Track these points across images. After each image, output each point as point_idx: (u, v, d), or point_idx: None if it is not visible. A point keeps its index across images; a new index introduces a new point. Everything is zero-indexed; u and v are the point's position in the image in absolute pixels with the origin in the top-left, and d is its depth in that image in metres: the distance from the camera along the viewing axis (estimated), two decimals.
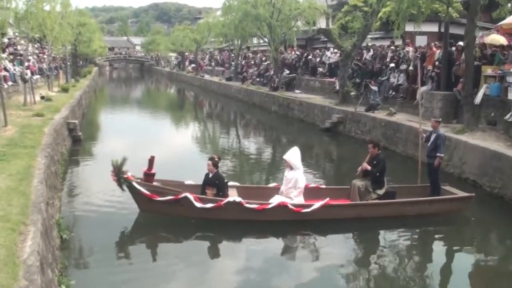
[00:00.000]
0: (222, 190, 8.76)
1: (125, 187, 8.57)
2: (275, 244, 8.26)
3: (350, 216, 8.80)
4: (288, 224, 8.58)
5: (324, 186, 10.12)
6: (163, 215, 8.71)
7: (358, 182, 9.27)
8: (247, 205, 8.43)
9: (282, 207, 8.50)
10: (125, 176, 8.43)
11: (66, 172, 12.19)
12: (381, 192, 9.15)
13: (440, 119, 10.36)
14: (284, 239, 8.43)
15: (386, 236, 8.62)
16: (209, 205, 8.39)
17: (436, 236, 8.92)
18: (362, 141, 16.97)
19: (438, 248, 8.45)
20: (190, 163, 13.55)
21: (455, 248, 8.61)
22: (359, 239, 8.56)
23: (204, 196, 8.60)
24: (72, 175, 12.23)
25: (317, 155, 16.58)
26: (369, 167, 9.20)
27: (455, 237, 8.95)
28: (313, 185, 10.15)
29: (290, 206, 8.51)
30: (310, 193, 9.29)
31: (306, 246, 8.26)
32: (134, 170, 8.83)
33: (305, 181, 9.06)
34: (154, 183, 8.78)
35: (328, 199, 8.78)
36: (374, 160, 9.27)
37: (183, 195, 8.43)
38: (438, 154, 9.65)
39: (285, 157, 9.07)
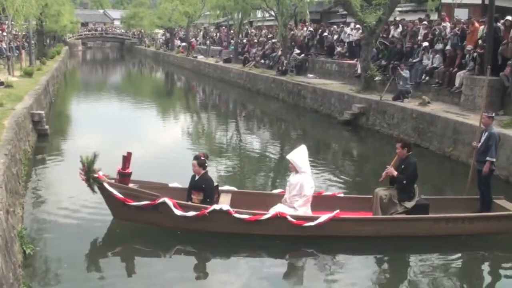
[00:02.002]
0: (209, 195, 8.77)
1: (96, 189, 8.64)
2: (268, 265, 8.19)
3: (365, 234, 8.60)
4: (288, 241, 8.50)
5: (342, 195, 9.93)
6: (139, 223, 8.78)
7: (382, 191, 9.01)
8: (236, 215, 8.37)
9: (279, 218, 8.37)
10: (96, 175, 8.48)
11: (29, 173, 12.23)
12: (409, 204, 8.82)
13: (493, 114, 9.82)
14: (280, 259, 8.36)
15: (412, 260, 8.43)
16: (191, 213, 8.38)
17: (477, 262, 8.61)
18: (388, 136, 16.99)
19: (479, 278, 8.15)
20: (178, 163, 13.57)
21: (504, 277, 8.19)
22: (377, 263, 8.39)
23: (185, 202, 8.63)
24: (37, 177, 12.28)
25: (334, 154, 16.59)
26: (395, 173, 8.90)
27: (503, 262, 8.55)
28: (328, 192, 10.05)
29: (290, 218, 8.35)
30: (324, 202, 9.20)
31: (309, 268, 8.18)
32: (111, 170, 8.92)
33: (312, 188, 8.90)
34: (130, 185, 8.84)
35: (338, 211, 8.59)
36: (402, 164, 8.96)
37: (160, 200, 8.44)
38: (488, 158, 9.25)
39: (288, 157, 8.99)
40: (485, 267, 8.54)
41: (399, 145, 9.08)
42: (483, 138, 9.47)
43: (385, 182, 9.23)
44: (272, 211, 8.53)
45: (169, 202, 8.39)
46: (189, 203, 8.66)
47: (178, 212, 8.36)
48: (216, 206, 8.44)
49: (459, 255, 8.62)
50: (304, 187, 8.69)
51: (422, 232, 8.68)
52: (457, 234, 8.75)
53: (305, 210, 8.73)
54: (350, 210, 9.01)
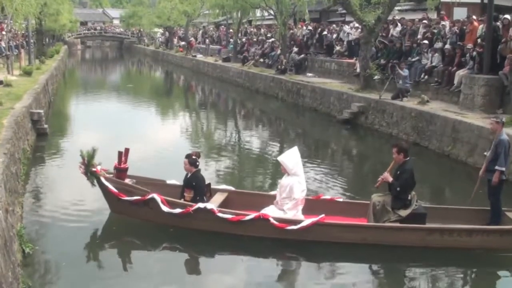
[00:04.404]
0: (200, 193, 8.84)
1: (96, 183, 8.89)
2: (252, 266, 8.14)
3: (351, 240, 8.27)
4: (272, 243, 8.40)
5: (340, 200, 9.72)
6: (133, 218, 8.97)
7: (376, 198, 8.68)
8: (220, 214, 8.41)
9: (261, 220, 8.32)
10: (94, 169, 8.71)
11: (29, 172, 12.24)
12: (403, 213, 8.36)
13: (503, 120, 9.12)
14: (262, 260, 8.29)
15: (397, 271, 8.07)
16: (177, 211, 8.50)
17: (475, 279, 8.11)
18: (388, 135, 17.00)
19: None
20: (177, 160, 13.50)
21: None
22: (362, 271, 8.08)
23: (173, 199, 8.74)
24: (36, 176, 12.28)
25: (333, 154, 16.57)
26: (390, 179, 8.53)
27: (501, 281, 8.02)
28: (326, 196, 9.83)
29: (272, 220, 8.26)
30: (322, 206, 9.02)
31: (291, 272, 8.09)
32: (111, 167, 9.18)
33: (304, 191, 8.75)
34: (127, 180, 9.02)
35: (323, 215, 8.37)
36: (398, 170, 8.58)
37: (150, 196, 8.60)
38: (497, 167, 8.60)
39: (279, 158, 8.91)
40: (482, 285, 8.07)
41: (395, 149, 8.65)
42: (492, 145, 8.87)
43: (384, 187, 8.87)
44: (255, 213, 8.46)
45: (157, 198, 8.54)
46: (176, 200, 8.78)
47: (165, 208, 8.49)
48: (200, 205, 8.50)
49: (454, 270, 8.07)
50: (293, 190, 8.54)
51: (414, 243, 8.22)
52: (454, 247, 8.20)
53: (294, 213, 8.59)
54: (347, 216, 8.85)
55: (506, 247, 8.33)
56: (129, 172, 9.26)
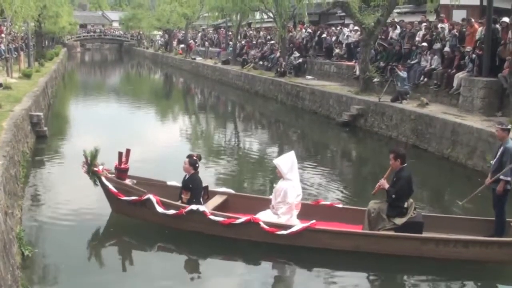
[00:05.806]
0: (196, 195, 8.89)
1: (98, 182, 9.05)
2: (239, 270, 8.14)
3: (343, 248, 8.12)
4: (264, 247, 8.35)
5: (340, 205, 9.54)
6: (132, 218, 9.12)
7: (372, 205, 8.54)
8: (212, 217, 8.44)
9: (252, 224, 8.31)
10: (96, 169, 8.88)
11: (28, 175, 12.23)
12: (399, 221, 8.19)
13: (509, 126, 8.67)
14: (253, 265, 8.27)
15: (389, 281, 7.94)
16: (171, 212, 8.61)
17: None
18: (387, 137, 17.00)
19: None
20: (178, 162, 13.55)
21: None
22: (353, 279, 7.93)
23: (168, 201, 8.82)
24: (35, 179, 12.28)
25: (332, 157, 16.57)
26: (386, 186, 8.40)
27: None
28: (326, 202, 9.71)
29: (262, 225, 8.23)
30: (321, 212, 8.96)
31: (279, 279, 8.04)
32: (111, 168, 9.30)
33: (299, 196, 8.68)
34: (127, 181, 9.14)
35: (314, 221, 8.28)
36: (395, 177, 8.43)
37: (146, 196, 8.73)
38: (502, 177, 8.24)
39: (275, 161, 8.87)
40: None
41: (391, 156, 8.47)
42: (498, 153, 8.46)
43: (383, 194, 8.67)
44: (245, 216, 8.44)
45: (153, 199, 8.67)
46: (171, 201, 8.84)
47: (160, 209, 8.61)
48: (193, 207, 8.56)
49: (449, 281, 7.78)
50: (287, 194, 8.46)
51: (408, 252, 8.00)
52: (449, 258, 7.93)
53: (288, 218, 8.51)
54: (345, 222, 8.77)
55: (505, 260, 8.02)
56: (130, 173, 9.36)
